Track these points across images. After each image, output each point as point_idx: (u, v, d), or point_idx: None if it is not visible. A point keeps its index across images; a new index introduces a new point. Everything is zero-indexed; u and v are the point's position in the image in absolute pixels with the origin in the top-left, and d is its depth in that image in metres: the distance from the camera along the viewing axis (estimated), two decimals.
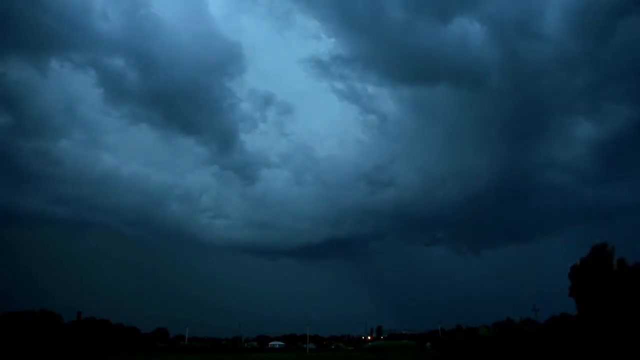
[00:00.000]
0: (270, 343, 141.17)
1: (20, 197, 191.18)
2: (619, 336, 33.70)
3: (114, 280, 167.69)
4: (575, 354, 35.52)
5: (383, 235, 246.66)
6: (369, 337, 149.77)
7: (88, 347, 68.71)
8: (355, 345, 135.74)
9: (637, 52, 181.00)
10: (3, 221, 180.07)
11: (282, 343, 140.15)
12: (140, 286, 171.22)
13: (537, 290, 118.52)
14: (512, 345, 43.93)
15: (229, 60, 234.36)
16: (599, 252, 43.29)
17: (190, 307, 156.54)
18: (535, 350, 39.95)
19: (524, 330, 54.22)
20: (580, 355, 34.80)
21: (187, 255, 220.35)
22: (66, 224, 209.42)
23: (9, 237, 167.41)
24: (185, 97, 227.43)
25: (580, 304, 44.68)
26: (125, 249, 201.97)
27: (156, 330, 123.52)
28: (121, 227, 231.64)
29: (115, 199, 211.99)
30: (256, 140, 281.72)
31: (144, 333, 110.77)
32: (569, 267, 47.16)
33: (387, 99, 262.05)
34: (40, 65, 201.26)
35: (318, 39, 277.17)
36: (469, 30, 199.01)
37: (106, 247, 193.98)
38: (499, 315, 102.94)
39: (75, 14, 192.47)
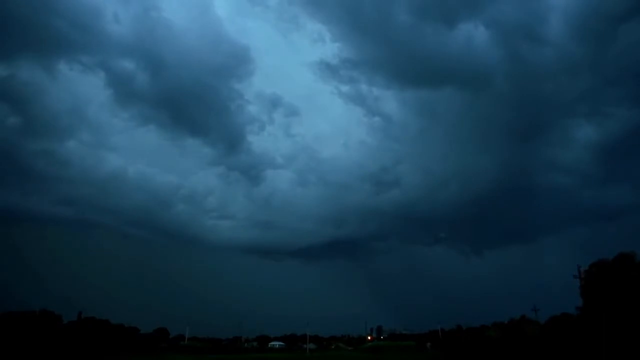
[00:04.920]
0: (271, 343, 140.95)
1: (27, 197, 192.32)
2: (625, 337, 33.59)
3: (115, 280, 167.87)
4: (578, 353, 35.44)
5: (386, 235, 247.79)
6: (369, 337, 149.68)
7: (88, 347, 68.66)
8: (355, 345, 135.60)
9: (637, 56, 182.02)
10: (8, 221, 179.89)
11: (282, 343, 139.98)
12: (141, 286, 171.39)
13: (538, 290, 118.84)
14: (514, 346, 43.85)
15: (237, 62, 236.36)
16: (624, 258, 42.93)
17: (190, 307, 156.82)
18: (538, 350, 39.88)
19: (525, 331, 54.18)
20: (584, 355, 34.73)
21: (190, 256, 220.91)
22: (71, 225, 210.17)
23: (13, 238, 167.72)
24: (194, 99, 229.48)
25: (587, 303, 44.41)
26: (129, 249, 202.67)
27: (156, 330, 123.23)
28: (126, 227, 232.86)
29: (121, 200, 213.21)
30: (263, 141, 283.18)
31: (144, 333, 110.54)
32: (583, 264, 47.05)
33: (392, 101, 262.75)
34: (49, 67, 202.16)
35: (324, 43, 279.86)
36: (473, 34, 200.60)
37: (110, 247, 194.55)
38: (500, 316, 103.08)
39: (87, 17, 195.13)
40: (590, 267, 45.99)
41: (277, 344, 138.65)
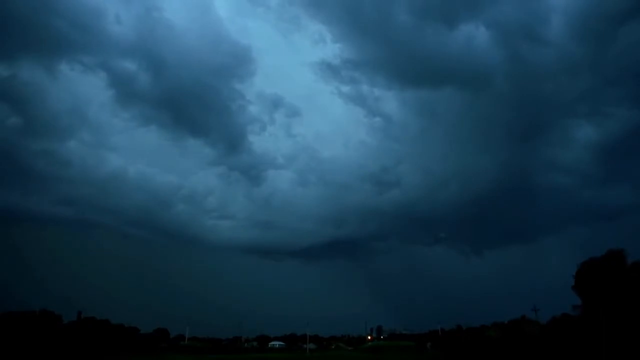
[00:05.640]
0: (271, 343, 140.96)
1: (27, 197, 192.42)
2: (623, 336, 33.63)
3: (115, 280, 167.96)
4: (578, 353, 35.44)
5: (386, 235, 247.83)
6: (369, 337, 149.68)
7: (88, 347, 68.63)
8: (355, 345, 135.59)
9: (637, 56, 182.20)
10: (8, 221, 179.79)
11: (282, 343, 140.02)
12: (141, 286, 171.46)
13: (538, 290, 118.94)
14: (514, 346, 43.84)
15: (238, 63, 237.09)
16: (613, 256, 43.11)
17: (190, 307, 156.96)
18: (538, 351, 39.88)
19: (525, 331, 54.19)
20: (584, 354, 34.73)
21: (190, 256, 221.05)
22: (71, 225, 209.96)
23: (13, 238, 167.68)
24: (195, 99, 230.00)
25: (584, 302, 44.63)
26: (129, 249, 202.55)
27: (156, 330, 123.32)
28: (126, 227, 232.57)
29: (121, 200, 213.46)
30: (264, 141, 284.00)
31: (144, 333, 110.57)
32: (578, 264, 47.17)
33: (392, 101, 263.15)
34: (50, 67, 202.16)
35: (325, 43, 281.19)
36: (474, 35, 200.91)
37: (110, 247, 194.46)
38: (500, 316, 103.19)
39: (88, 17, 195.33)
40: (581, 265, 46.26)
41: (277, 344, 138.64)
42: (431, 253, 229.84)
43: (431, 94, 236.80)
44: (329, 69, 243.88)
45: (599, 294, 41.21)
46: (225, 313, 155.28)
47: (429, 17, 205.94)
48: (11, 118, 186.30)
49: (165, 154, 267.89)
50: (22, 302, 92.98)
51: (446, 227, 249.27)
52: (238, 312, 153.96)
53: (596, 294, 41.87)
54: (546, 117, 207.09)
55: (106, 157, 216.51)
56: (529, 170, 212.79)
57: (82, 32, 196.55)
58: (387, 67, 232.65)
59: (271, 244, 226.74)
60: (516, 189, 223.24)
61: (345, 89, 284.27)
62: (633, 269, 41.22)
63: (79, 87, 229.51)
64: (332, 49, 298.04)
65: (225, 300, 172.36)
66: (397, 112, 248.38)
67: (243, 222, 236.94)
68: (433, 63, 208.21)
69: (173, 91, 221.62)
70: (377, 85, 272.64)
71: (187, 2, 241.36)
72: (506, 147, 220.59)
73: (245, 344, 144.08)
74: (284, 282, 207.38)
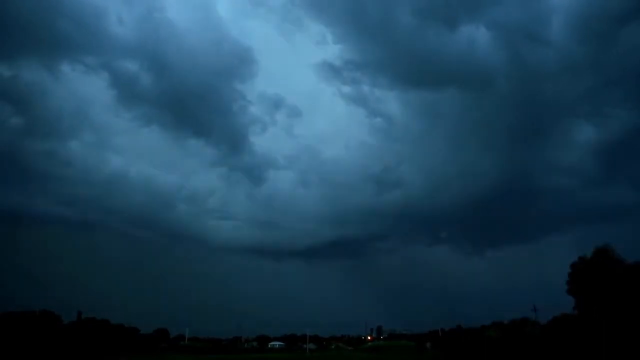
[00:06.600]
0: (270, 343, 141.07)
1: (28, 197, 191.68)
2: (618, 334, 33.70)
3: (115, 280, 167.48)
4: (577, 352, 35.48)
5: (387, 235, 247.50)
6: (369, 337, 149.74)
7: (88, 347, 68.66)
8: (355, 345, 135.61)
9: (639, 56, 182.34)
10: (10, 222, 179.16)
11: (282, 343, 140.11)
12: (141, 286, 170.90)
13: (538, 290, 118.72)
14: (514, 346, 43.88)
15: (240, 63, 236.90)
16: (601, 254, 43.34)
17: (191, 307, 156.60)
18: (538, 351, 39.91)
19: (525, 331, 54.21)
20: (582, 353, 34.76)
21: (190, 256, 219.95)
22: (72, 225, 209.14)
23: (14, 238, 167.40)
24: (197, 99, 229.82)
25: (579, 302, 44.82)
26: (130, 249, 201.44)
27: (156, 330, 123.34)
28: (128, 228, 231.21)
29: (122, 200, 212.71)
30: (265, 142, 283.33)
31: (144, 333, 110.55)
32: (569, 265, 47.45)
33: (394, 102, 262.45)
34: (52, 68, 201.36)
35: (326, 44, 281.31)
36: (475, 36, 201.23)
37: (111, 247, 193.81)
38: (500, 316, 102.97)
39: (90, 18, 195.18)
40: (572, 266, 46.38)
41: (277, 344, 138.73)
42: (432, 253, 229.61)
43: (432, 94, 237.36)
44: (331, 70, 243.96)
45: (593, 294, 41.35)
46: (225, 313, 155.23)
47: (430, 18, 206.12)
48: (13, 118, 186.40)
49: (166, 155, 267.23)
50: (22, 302, 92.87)
51: (447, 227, 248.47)
52: (238, 312, 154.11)
53: (589, 293, 42.00)
54: (547, 118, 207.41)
55: (108, 157, 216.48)
56: (529, 171, 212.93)
57: (84, 32, 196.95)
58: (388, 68, 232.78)
59: (272, 244, 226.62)
60: (517, 189, 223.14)
61: (347, 89, 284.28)
62: (618, 266, 41.43)
63: (81, 88, 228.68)
64: (333, 50, 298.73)
65: (225, 300, 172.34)
66: (399, 112, 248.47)
67: (244, 223, 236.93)
68: (434, 64, 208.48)
69: (175, 92, 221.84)
70: (379, 85, 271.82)
71: (188, 2, 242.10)
72: (507, 147, 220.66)
73: (245, 344, 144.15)
74: (284, 282, 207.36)
